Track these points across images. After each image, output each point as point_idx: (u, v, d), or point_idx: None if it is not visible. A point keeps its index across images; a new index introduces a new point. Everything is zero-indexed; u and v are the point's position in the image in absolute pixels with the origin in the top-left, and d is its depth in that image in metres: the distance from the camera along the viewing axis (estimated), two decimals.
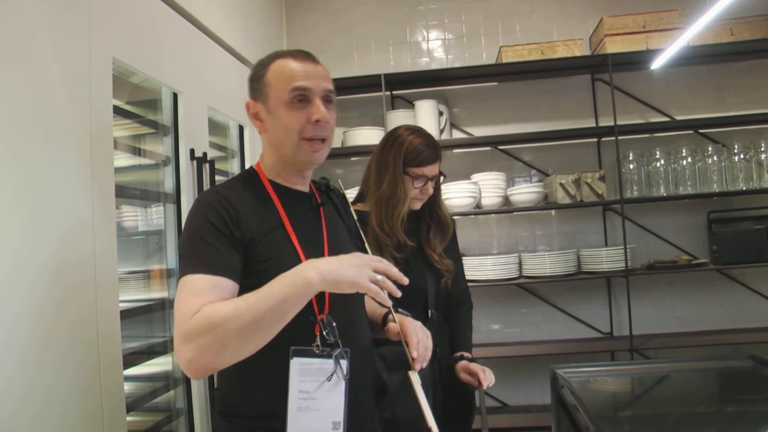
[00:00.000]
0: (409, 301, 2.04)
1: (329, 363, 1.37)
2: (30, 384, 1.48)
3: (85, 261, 1.74)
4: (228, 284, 1.30)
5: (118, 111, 2.10)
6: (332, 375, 1.37)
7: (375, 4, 4.19)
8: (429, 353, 1.46)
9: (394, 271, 1.30)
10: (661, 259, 3.61)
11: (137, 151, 2.48)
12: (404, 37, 4.18)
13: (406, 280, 1.31)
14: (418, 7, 4.17)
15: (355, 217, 1.73)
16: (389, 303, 1.32)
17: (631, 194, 3.66)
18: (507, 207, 3.71)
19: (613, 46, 3.62)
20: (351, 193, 3.61)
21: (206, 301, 1.23)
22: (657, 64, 3.54)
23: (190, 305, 1.23)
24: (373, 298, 1.34)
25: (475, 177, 3.71)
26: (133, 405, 2.02)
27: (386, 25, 4.18)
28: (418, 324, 1.53)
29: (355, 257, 1.30)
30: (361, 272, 1.25)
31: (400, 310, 1.61)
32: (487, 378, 2.00)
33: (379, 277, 1.26)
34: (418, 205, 2.11)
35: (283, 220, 1.44)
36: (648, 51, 3.58)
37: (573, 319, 3.88)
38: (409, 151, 2.06)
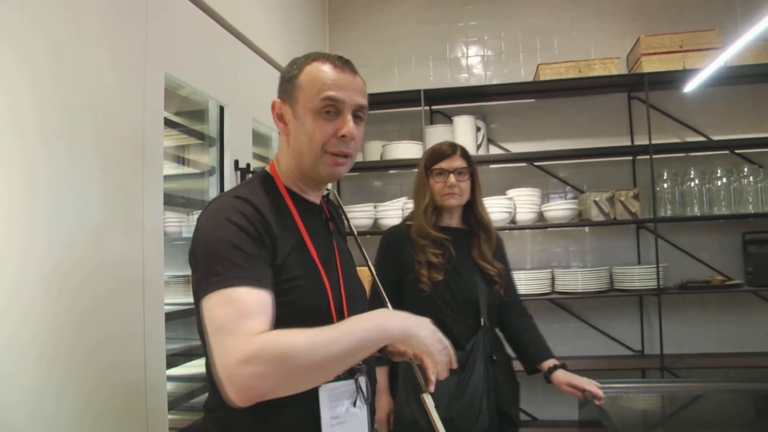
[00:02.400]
0: (461, 310, 2.12)
1: (351, 384, 1.32)
2: (81, 379, 1.55)
3: (134, 262, 1.82)
4: (272, 300, 1.18)
5: (167, 122, 2.18)
6: (356, 397, 1.33)
7: (416, 20, 4.27)
8: (446, 364, 1.31)
9: (451, 351, 1.30)
10: (693, 279, 3.62)
11: (183, 161, 2.57)
12: (444, 52, 4.26)
13: (455, 364, 1.32)
14: (458, 23, 4.25)
15: (355, 232, 1.67)
16: (431, 387, 1.38)
17: (665, 213, 3.68)
18: (541, 223, 3.75)
19: (650, 65, 3.65)
20: (389, 207, 3.74)
21: (265, 320, 1.13)
22: (692, 86, 3.56)
23: (249, 325, 1.09)
24: (426, 372, 1.37)
25: (511, 192, 3.76)
26: (173, 404, 2.09)
27: (426, 41, 4.27)
28: (429, 335, 1.31)
29: (427, 322, 1.27)
30: (434, 337, 1.25)
31: None
32: (600, 392, 2.07)
33: (444, 358, 1.26)
34: (450, 201, 2.21)
35: (303, 235, 1.35)
36: (685, 70, 3.60)
37: (604, 336, 3.90)
38: (429, 154, 2.28)
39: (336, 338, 1.12)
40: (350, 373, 1.31)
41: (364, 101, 1.37)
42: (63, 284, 1.51)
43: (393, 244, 2.27)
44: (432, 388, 1.39)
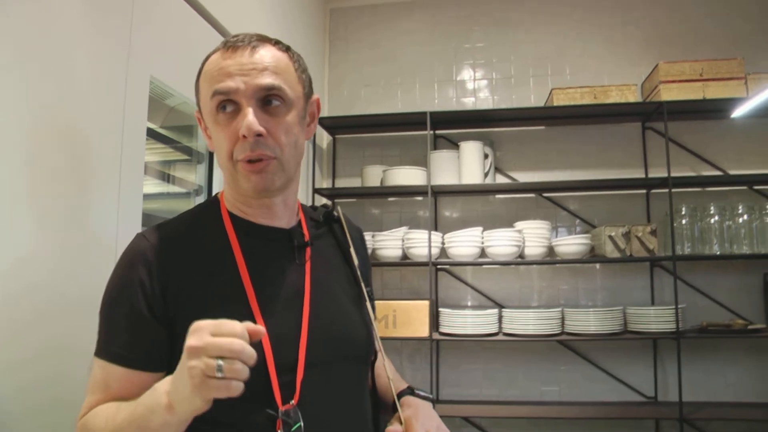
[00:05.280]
0: None
1: None
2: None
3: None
4: (138, 378, 0.98)
5: (151, 133, 1.98)
6: None
7: (421, 41, 4.07)
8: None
9: (237, 337, 0.80)
10: (714, 322, 3.39)
11: (168, 178, 2.35)
12: (450, 74, 4.05)
13: (261, 332, 0.83)
14: (464, 44, 4.04)
15: (356, 261, 1.26)
16: (236, 393, 0.79)
17: (683, 251, 3.46)
18: (551, 258, 3.51)
19: (669, 94, 3.45)
20: (388, 237, 3.50)
21: (99, 398, 0.99)
22: (739, 112, 3.43)
23: (87, 400, 1.01)
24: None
25: (519, 225, 3.52)
26: None
27: (432, 62, 4.06)
28: (434, 419, 1.11)
29: (189, 350, 0.81)
30: (195, 368, 0.78)
31: (418, 391, 1.22)
32: None
33: (220, 362, 0.77)
34: None
35: (241, 272, 1.04)
36: (705, 100, 3.41)
37: (615, 380, 3.65)
38: None
39: (126, 421, 0.92)
40: None
41: (270, 80, 1.03)
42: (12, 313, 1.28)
43: None
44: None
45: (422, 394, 1.22)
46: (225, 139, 1.03)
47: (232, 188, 1.11)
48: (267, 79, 1.02)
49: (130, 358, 0.99)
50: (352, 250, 1.26)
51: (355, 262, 1.25)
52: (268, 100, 1.03)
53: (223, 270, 1.05)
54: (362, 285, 1.23)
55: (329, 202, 1.18)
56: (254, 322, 0.96)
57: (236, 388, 0.78)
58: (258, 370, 0.90)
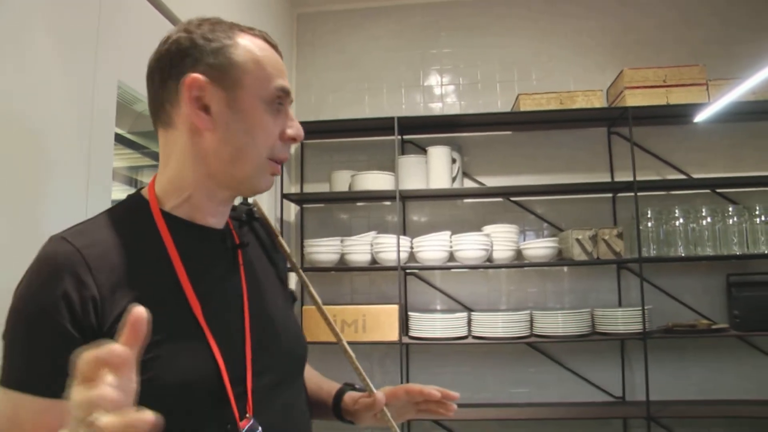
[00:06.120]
0: None
1: None
2: None
3: None
4: (59, 410, 0.74)
5: (119, 139, 1.95)
6: None
7: (388, 46, 4.08)
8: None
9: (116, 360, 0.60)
10: (680, 323, 3.44)
11: (136, 183, 2.33)
12: (417, 80, 4.06)
13: (142, 321, 0.62)
14: (431, 50, 4.06)
15: (288, 250, 1.24)
16: None
17: (649, 253, 3.50)
18: (519, 261, 3.54)
19: (633, 99, 3.51)
20: (357, 241, 3.48)
21: None
22: (702, 117, 3.50)
23: None
24: None
25: (487, 229, 3.54)
26: None
27: (399, 67, 4.07)
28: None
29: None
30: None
31: (357, 386, 1.28)
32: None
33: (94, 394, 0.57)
34: None
35: (180, 279, 0.94)
36: (669, 106, 3.47)
37: (583, 381, 3.68)
38: None
39: None
40: None
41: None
42: None
43: None
44: None
45: (359, 387, 1.26)
46: (272, 134, 1.00)
47: (207, 178, 0.99)
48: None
49: (54, 388, 0.76)
50: (282, 241, 1.23)
51: (287, 250, 1.23)
52: None
53: (160, 278, 0.93)
54: (302, 275, 1.24)
55: (250, 200, 1.13)
56: (201, 332, 0.91)
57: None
58: (212, 381, 0.90)
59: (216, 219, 1.05)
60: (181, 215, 1.00)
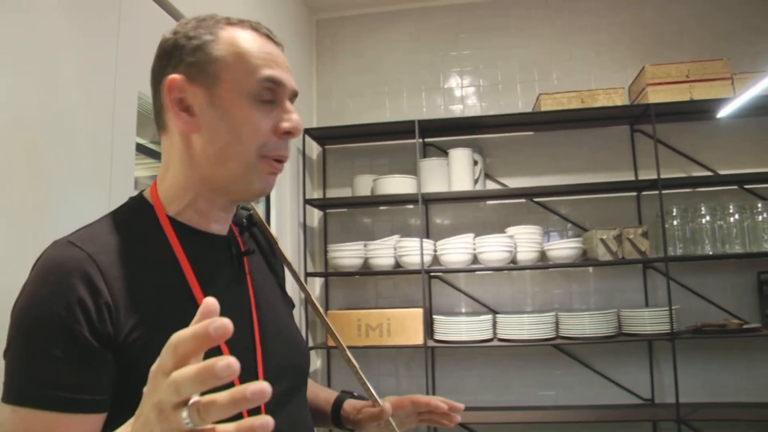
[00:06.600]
0: None
1: None
2: None
3: None
4: (81, 422, 0.77)
5: (141, 149, 1.97)
6: None
7: (407, 50, 4.08)
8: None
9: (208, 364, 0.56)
10: (709, 323, 3.38)
11: None
12: (437, 82, 4.06)
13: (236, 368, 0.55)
14: (451, 52, 4.05)
15: (288, 258, 1.21)
16: None
17: (675, 252, 3.45)
18: (543, 263, 3.51)
19: (656, 96, 3.46)
20: (380, 245, 3.48)
21: None
22: (725, 112, 3.40)
23: None
24: None
25: (511, 230, 3.52)
26: None
27: (419, 70, 4.07)
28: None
29: (149, 395, 0.59)
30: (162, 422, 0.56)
31: (356, 394, 1.28)
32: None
33: (183, 414, 0.56)
34: None
35: (192, 288, 0.91)
36: (692, 101, 3.42)
37: (611, 383, 3.63)
38: None
39: None
40: None
41: (296, 86, 0.98)
42: None
43: None
44: None
45: (357, 394, 1.27)
46: (260, 130, 0.92)
47: (202, 182, 0.95)
48: (294, 84, 0.98)
49: (79, 401, 0.76)
50: (280, 248, 1.20)
51: (287, 258, 1.20)
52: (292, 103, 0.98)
53: (171, 287, 0.90)
54: (287, 292, 1.20)
55: (249, 205, 1.10)
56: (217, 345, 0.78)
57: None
58: (224, 385, 0.85)
59: (219, 225, 1.01)
60: (185, 221, 0.97)
